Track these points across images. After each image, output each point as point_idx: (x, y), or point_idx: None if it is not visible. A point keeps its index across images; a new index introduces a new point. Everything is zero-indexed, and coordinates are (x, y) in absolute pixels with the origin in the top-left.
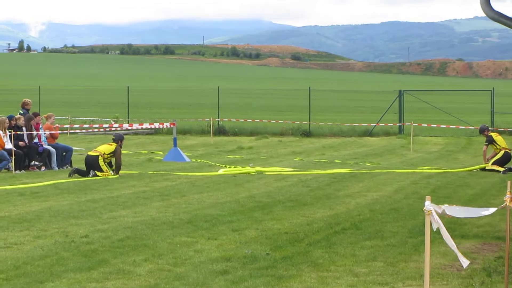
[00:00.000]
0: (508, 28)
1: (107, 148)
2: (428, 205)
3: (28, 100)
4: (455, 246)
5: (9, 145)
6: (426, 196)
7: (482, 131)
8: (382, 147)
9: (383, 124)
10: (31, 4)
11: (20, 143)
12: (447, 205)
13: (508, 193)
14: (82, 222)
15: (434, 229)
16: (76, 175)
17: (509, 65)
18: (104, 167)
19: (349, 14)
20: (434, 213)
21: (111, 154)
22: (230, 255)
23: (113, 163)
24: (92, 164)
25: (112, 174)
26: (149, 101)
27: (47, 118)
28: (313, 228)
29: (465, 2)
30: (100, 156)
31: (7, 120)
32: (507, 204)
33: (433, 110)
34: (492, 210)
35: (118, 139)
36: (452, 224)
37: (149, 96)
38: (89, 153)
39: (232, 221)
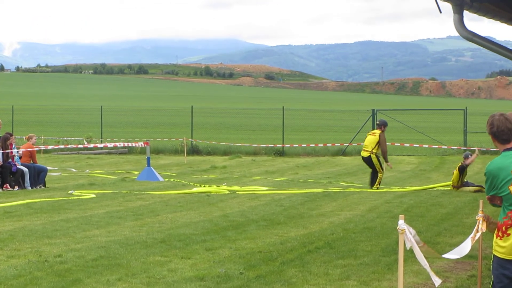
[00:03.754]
0: (481, 48)
1: (372, 140)
2: (402, 224)
3: None
4: (428, 265)
5: None
6: (400, 215)
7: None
8: (356, 166)
9: (356, 144)
10: (6, 24)
11: None
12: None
13: (480, 212)
14: (56, 241)
15: (408, 248)
16: None
17: (482, 85)
18: (378, 165)
19: (323, 34)
20: (407, 232)
21: (377, 145)
22: (203, 275)
23: (379, 155)
24: (368, 164)
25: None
26: (122, 121)
27: (29, 138)
28: (286, 247)
29: (438, 22)
30: (371, 155)
31: None
32: (480, 226)
33: (406, 129)
34: (468, 244)
35: (382, 124)
36: (425, 242)
37: (122, 116)
38: (362, 154)
39: (205, 240)
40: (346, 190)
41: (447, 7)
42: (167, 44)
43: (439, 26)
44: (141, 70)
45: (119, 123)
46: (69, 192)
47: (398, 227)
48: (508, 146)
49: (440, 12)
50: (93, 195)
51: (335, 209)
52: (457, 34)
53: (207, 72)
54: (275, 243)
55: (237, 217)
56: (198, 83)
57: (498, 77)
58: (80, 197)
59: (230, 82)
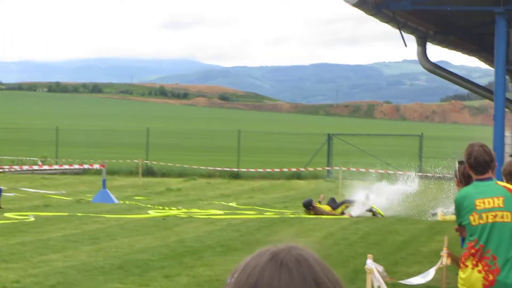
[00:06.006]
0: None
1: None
2: (370, 263)
3: None
4: None
5: None
6: (368, 255)
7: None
8: (311, 190)
9: (312, 169)
10: None
11: None
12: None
13: (444, 248)
14: (13, 266)
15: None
16: None
17: (436, 109)
18: None
19: (279, 56)
20: (375, 272)
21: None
22: None
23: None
24: None
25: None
26: (77, 140)
27: None
28: None
29: (394, 46)
30: None
31: None
32: (444, 262)
33: (361, 153)
34: (432, 273)
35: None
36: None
37: (77, 135)
38: None
39: (163, 267)
40: (302, 216)
41: (411, 39)
42: (122, 63)
43: (395, 50)
44: (96, 89)
45: (74, 143)
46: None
47: (366, 266)
48: (481, 176)
49: (406, 46)
50: (33, 218)
51: (292, 235)
52: (412, 58)
53: (162, 92)
54: (232, 270)
55: (193, 242)
56: (152, 103)
57: (453, 101)
58: (18, 221)
59: (184, 102)
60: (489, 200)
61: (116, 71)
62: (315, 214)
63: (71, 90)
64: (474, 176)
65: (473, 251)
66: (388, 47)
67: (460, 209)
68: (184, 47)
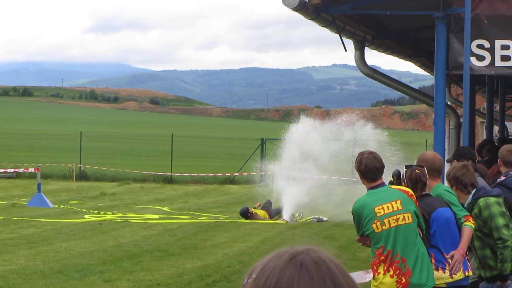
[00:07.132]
0: (366, 77)
1: None
2: None
3: None
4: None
5: None
6: None
7: None
8: (245, 195)
9: (246, 174)
10: None
11: None
12: None
13: None
14: None
15: None
16: None
17: (366, 113)
18: None
19: (210, 60)
20: None
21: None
22: None
23: None
24: None
25: None
26: (8, 144)
27: None
28: (184, 280)
29: (324, 51)
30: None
31: None
32: None
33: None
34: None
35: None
36: None
37: (8, 139)
38: None
39: (102, 271)
40: (238, 220)
41: (348, 43)
42: (52, 66)
43: (324, 55)
44: (26, 92)
45: (5, 146)
46: None
47: None
48: (374, 184)
49: (346, 50)
50: None
51: (228, 241)
52: (341, 62)
53: (92, 96)
54: (172, 275)
55: (131, 247)
56: (83, 107)
57: (383, 106)
58: None
59: (115, 106)
60: (388, 205)
61: (46, 74)
62: (252, 220)
63: (1, 94)
64: (366, 185)
65: (382, 257)
66: (317, 52)
67: (360, 219)
68: (114, 50)
